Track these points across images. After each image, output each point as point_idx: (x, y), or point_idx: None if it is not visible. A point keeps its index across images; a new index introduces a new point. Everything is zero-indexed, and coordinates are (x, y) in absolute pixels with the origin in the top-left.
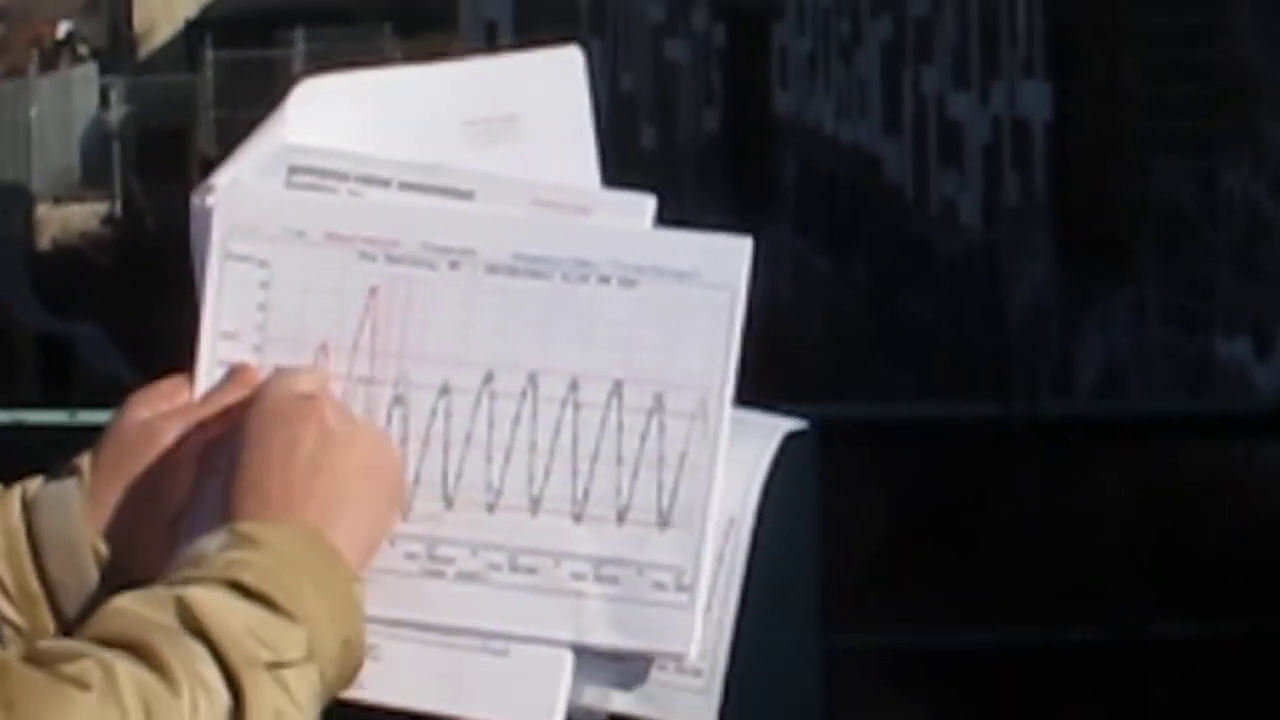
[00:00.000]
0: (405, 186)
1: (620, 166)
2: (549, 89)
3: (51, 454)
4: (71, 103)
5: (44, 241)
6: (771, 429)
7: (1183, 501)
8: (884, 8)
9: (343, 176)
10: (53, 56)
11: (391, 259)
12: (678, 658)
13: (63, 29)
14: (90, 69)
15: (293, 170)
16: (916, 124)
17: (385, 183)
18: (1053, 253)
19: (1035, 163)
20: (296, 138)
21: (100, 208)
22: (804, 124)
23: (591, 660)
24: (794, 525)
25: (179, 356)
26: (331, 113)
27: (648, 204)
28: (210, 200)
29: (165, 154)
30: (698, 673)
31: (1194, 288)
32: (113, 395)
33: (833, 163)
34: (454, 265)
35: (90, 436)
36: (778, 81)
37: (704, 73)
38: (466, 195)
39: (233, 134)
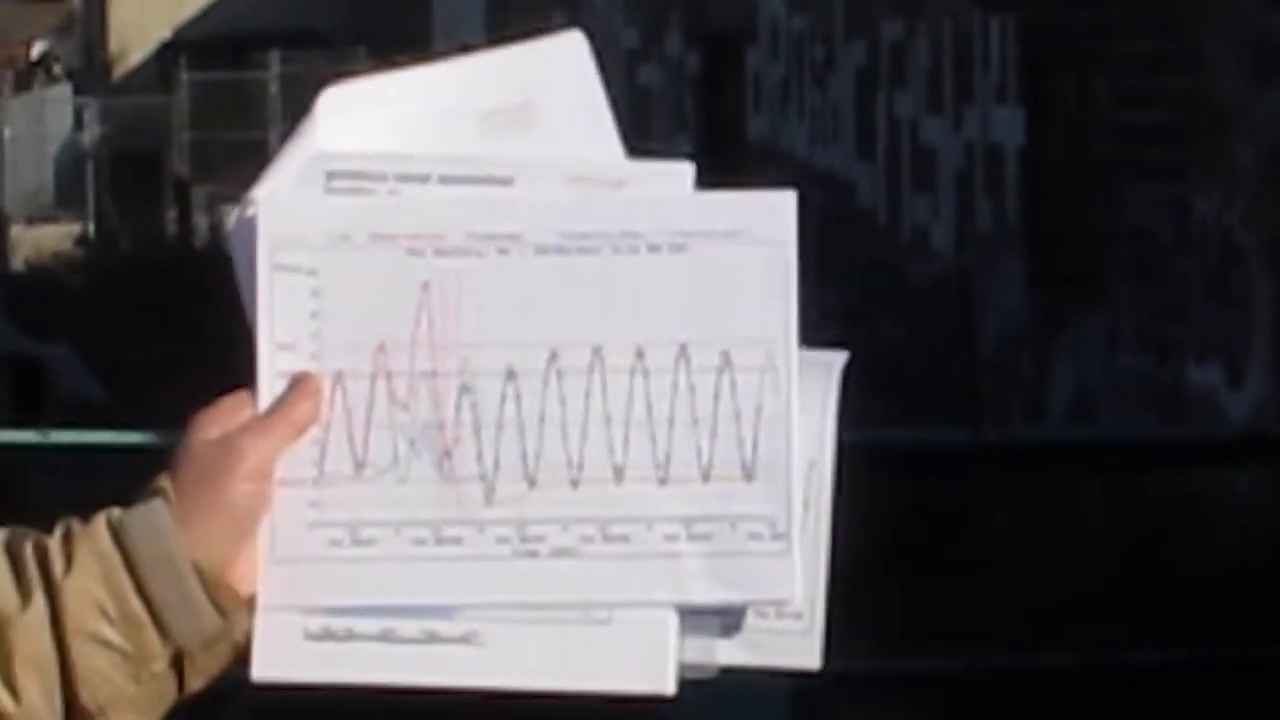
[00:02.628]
0: (444, 179)
1: None
2: (558, 73)
3: (23, 473)
4: (45, 124)
5: (17, 262)
6: (826, 366)
7: (1154, 528)
8: (858, 33)
9: (381, 177)
10: (26, 77)
11: (439, 252)
12: (782, 604)
13: (37, 50)
14: (64, 90)
15: (330, 176)
16: (890, 149)
17: (424, 178)
18: (1025, 279)
19: (1008, 189)
20: (329, 145)
21: (73, 229)
22: (778, 149)
23: (692, 619)
24: None
25: (151, 377)
26: (358, 118)
27: (686, 170)
28: (251, 213)
29: (139, 175)
30: (799, 615)
31: (1166, 315)
32: (84, 416)
33: (806, 188)
34: (502, 251)
35: (61, 456)
36: (751, 107)
37: (678, 98)
38: (505, 181)
39: (207, 156)
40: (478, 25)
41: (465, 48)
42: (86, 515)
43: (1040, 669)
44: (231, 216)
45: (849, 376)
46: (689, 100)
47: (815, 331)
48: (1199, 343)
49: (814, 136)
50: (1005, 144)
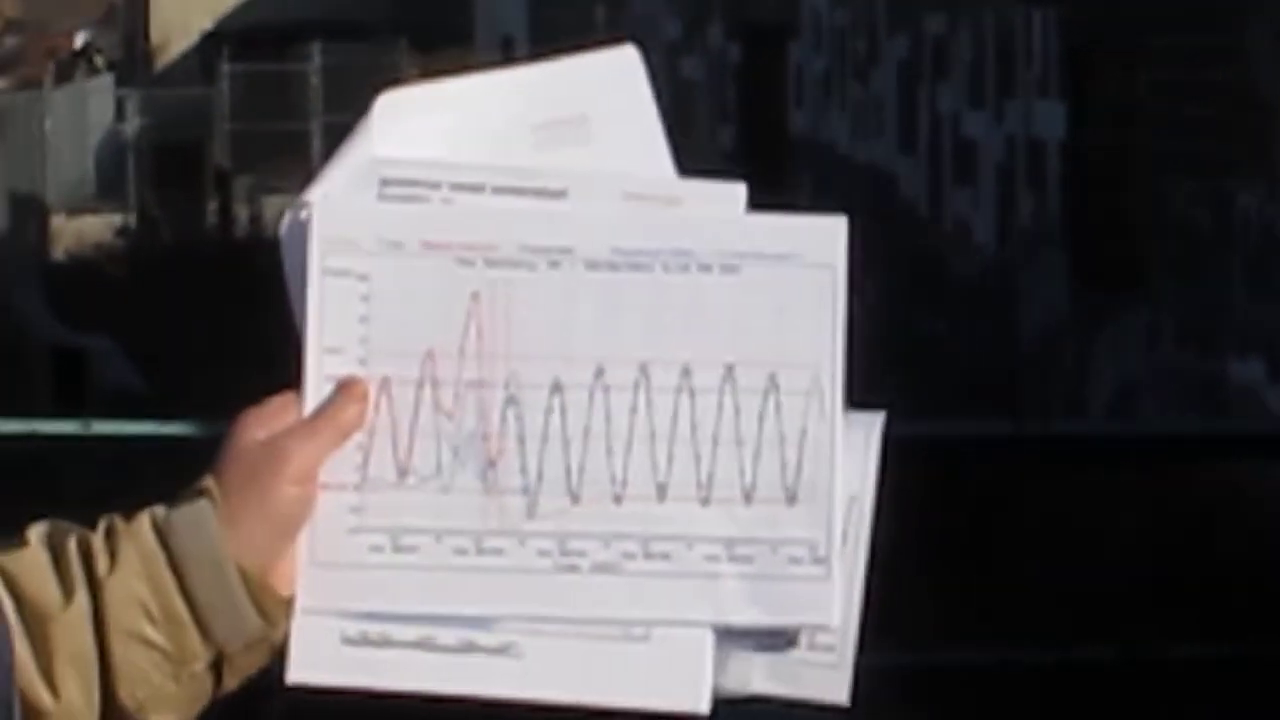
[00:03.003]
0: (498, 190)
1: None
2: (612, 88)
3: (65, 464)
4: (87, 115)
5: (58, 253)
6: (870, 420)
7: (1195, 522)
8: (900, 27)
9: (435, 185)
10: (68, 68)
11: (490, 263)
12: (821, 629)
13: (79, 41)
14: (106, 81)
15: (385, 182)
16: (931, 143)
17: (478, 188)
18: (1066, 272)
19: (1050, 182)
20: (384, 151)
21: (115, 220)
22: (819, 142)
23: (730, 642)
24: None
25: (192, 367)
26: (412, 125)
27: (739, 191)
28: (304, 216)
29: (180, 166)
30: (830, 648)
31: (1208, 309)
32: (125, 406)
33: (848, 181)
34: (553, 264)
35: (103, 447)
36: (793, 100)
37: (720, 91)
38: (559, 195)
39: (248, 147)
40: (520, 19)
41: (508, 42)
42: (128, 509)
43: (1077, 664)
44: (284, 218)
45: (888, 372)
46: (731, 93)
47: (856, 324)
48: (1241, 337)
49: (856, 130)
50: (1047, 137)
